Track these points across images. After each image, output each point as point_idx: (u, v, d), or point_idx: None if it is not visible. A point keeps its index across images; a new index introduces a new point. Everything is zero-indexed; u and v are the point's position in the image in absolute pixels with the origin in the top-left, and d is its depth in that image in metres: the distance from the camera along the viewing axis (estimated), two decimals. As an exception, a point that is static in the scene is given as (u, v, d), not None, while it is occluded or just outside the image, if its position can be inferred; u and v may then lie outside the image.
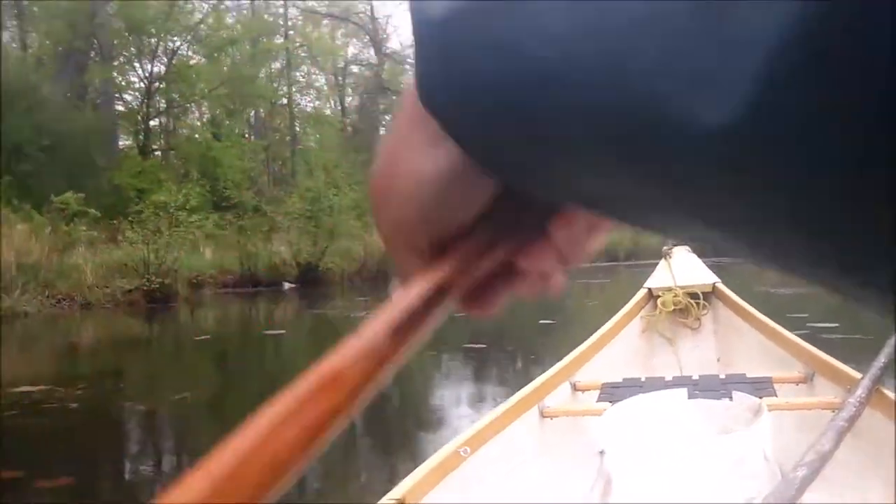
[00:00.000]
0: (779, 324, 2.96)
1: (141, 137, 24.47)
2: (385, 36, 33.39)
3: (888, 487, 1.71)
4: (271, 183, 24.82)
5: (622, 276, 20.79)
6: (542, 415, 2.33)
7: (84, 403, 5.14)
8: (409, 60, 34.88)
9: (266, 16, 32.76)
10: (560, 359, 2.75)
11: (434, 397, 5.63)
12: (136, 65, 25.10)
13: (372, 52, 34.65)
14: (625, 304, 3.53)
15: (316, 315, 11.95)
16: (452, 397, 5.41)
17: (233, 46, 25.55)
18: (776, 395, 2.19)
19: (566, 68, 0.21)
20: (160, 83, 24.64)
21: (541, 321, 8.91)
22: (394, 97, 34.28)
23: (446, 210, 0.30)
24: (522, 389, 2.35)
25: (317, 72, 36.20)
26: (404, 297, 0.31)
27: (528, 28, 0.22)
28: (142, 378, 6.85)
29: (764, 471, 1.81)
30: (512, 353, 7.48)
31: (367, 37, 33.76)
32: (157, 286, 14.30)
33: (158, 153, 26.50)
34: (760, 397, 2.11)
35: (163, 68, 24.56)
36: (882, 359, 2.09)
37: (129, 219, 15.07)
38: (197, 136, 26.49)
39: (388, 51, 33.39)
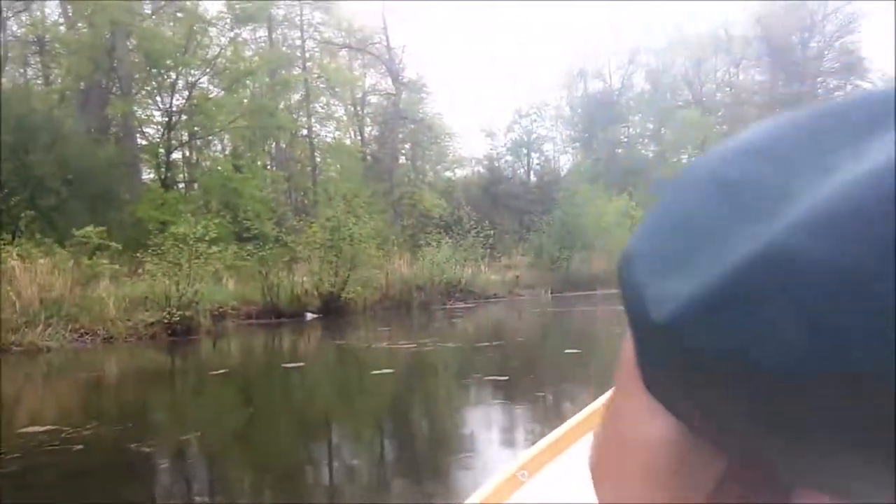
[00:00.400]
0: None
1: (163, 170, 24.55)
2: (402, 65, 33.45)
3: None
4: (292, 213, 24.70)
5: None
6: None
7: (90, 444, 4.89)
8: (425, 89, 34.97)
9: (284, 48, 33.03)
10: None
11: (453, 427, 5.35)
12: (157, 98, 25.25)
13: (389, 81, 34.72)
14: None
15: (338, 346, 11.71)
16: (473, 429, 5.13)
17: (251, 78, 25.64)
18: None
19: (800, 372, 0.21)
20: (181, 116, 24.77)
21: (566, 350, 8.61)
22: (411, 125, 34.31)
23: (676, 482, 0.28)
24: (583, 410, 2.26)
25: (336, 103, 36.39)
26: None
27: (762, 337, 0.22)
28: (154, 416, 6.62)
29: None
30: (533, 383, 7.18)
31: (384, 66, 33.85)
32: (179, 318, 14.15)
33: (181, 185, 26.63)
34: None
35: (183, 101, 24.69)
36: None
37: (151, 251, 14.98)
38: (219, 167, 26.59)
39: (404, 80, 33.43)
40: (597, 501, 0.30)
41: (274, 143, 35.09)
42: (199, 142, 25.85)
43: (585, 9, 71.96)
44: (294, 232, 19.35)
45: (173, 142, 24.59)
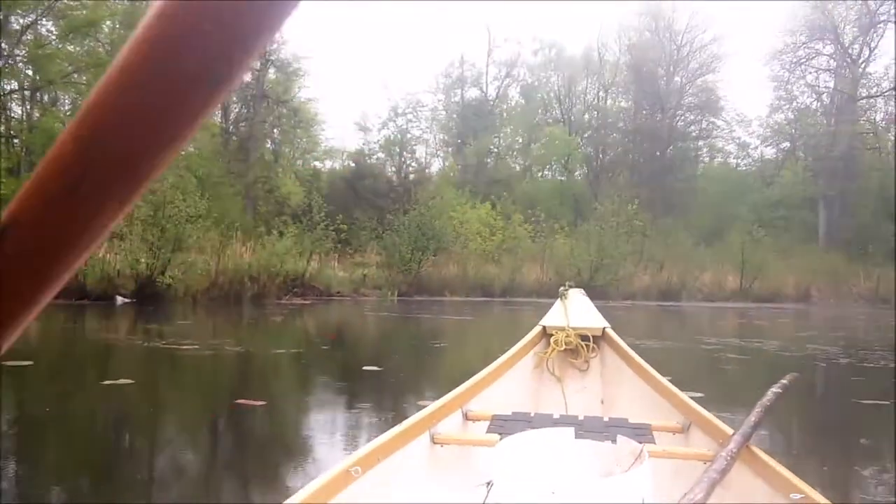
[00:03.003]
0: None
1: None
2: (272, 44, 31.02)
3: None
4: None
5: (495, 312, 19.20)
6: (434, 441, 2.32)
7: None
8: (294, 70, 32.68)
9: (142, 2, 29.89)
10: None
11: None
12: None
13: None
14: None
15: (104, 341, 9.64)
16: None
17: (93, 30, 22.59)
18: (654, 443, 2.23)
19: None
20: (8, 62, 21.46)
21: (364, 367, 7.07)
22: (277, 108, 31.94)
23: None
24: (415, 414, 2.31)
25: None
26: None
27: None
28: None
29: None
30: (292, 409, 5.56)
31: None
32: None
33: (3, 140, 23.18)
34: (641, 443, 2.08)
35: (12, 46, 21.38)
36: (752, 417, 2.15)
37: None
38: (50, 125, 23.35)
39: (271, 57, 31.05)
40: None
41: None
42: (20, 93, 22.51)
43: (468, 15, 71.39)
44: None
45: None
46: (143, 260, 16.55)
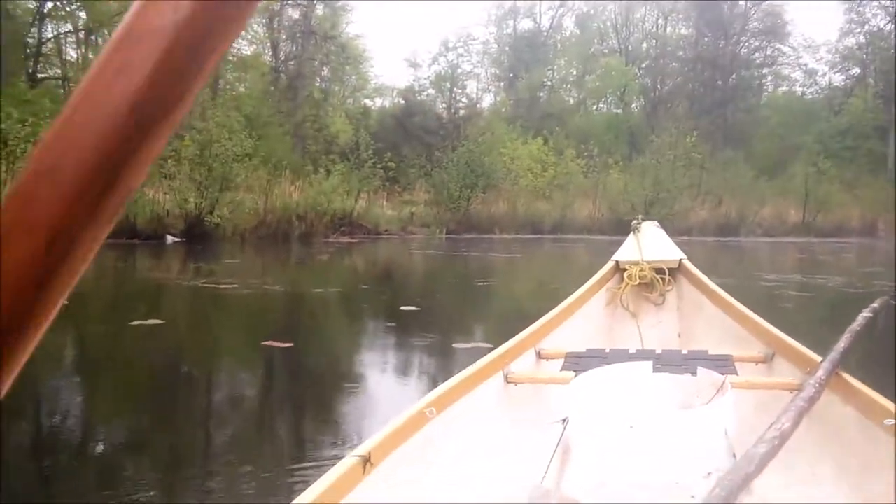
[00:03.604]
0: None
1: (30, 63, 21.32)
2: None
3: (842, 470, 1.74)
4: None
5: (544, 249, 18.77)
6: (507, 380, 2.31)
7: None
8: (342, 5, 31.92)
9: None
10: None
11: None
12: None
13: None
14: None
15: (145, 280, 9.60)
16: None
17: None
18: (736, 374, 2.17)
19: None
20: (56, 4, 21.44)
21: (402, 307, 6.80)
22: (325, 44, 31.36)
23: None
24: (488, 354, 2.28)
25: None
26: None
27: None
28: None
29: (724, 447, 1.79)
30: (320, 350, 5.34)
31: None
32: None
33: (52, 82, 23.37)
34: (722, 375, 2.06)
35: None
36: (842, 343, 2.08)
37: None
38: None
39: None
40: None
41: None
42: (74, 36, 22.53)
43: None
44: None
45: (45, 32, 21.31)
46: (191, 199, 16.54)
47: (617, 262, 3.41)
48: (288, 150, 26.99)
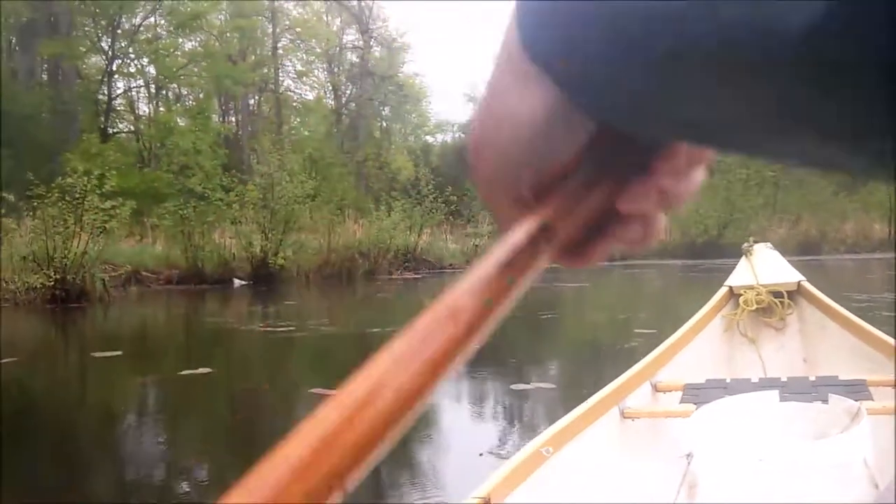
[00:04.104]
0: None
1: (101, 118, 22.05)
2: (370, 17, 30.68)
3: None
4: (222, 169, 22.06)
5: (613, 277, 18.10)
6: (623, 415, 2.22)
7: None
8: (397, 45, 32.23)
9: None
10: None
11: None
12: (96, 39, 22.60)
13: (357, 34, 31.96)
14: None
15: (203, 324, 9.44)
16: None
17: (203, 23, 22.93)
18: (872, 399, 2.04)
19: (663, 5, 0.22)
20: (123, 60, 22.21)
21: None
22: (384, 84, 31.63)
23: (545, 151, 0.29)
24: (602, 389, 2.21)
25: (311, 58, 33.69)
26: (511, 237, 0.30)
27: None
28: None
29: (864, 478, 1.69)
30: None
31: (354, 20, 31.09)
32: (57, 282, 11.84)
33: (123, 136, 24.15)
34: (857, 401, 1.92)
35: (126, 43, 22.09)
36: None
37: (36, 202, 12.54)
38: (177, 121, 24.10)
39: (374, 34, 30.71)
40: (474, 176, 0.31)
41: (251, 99, 32.61)
42: (145, 90, 23.26)
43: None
44: (224, 190, 16.88)
45: (115, 88, 22.05)
46: (256, 242, 16.59)
47: (730, 287, 3.29)
48: (350, 190, 27.13)
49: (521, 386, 4.84)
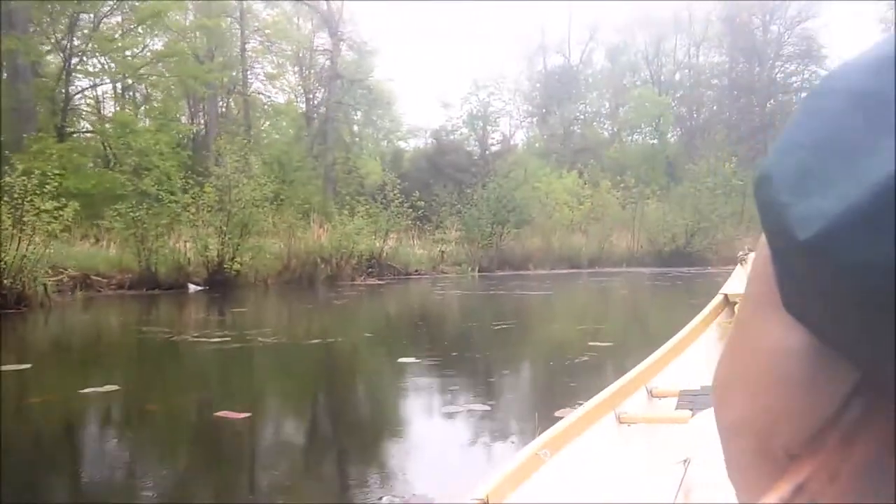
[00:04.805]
0: None
1: (58, 118, 21.19)
2: (340, 19, 30.06)
3: None
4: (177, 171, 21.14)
5: (579, 285, 17.67)
6: (620, 420, 2.23)
7: None
8: (367, 47, 31.65)
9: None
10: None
11: None
12: (53, 36, 21.72)
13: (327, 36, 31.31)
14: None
15: (135, 333, 8.81)
16: None
17: (161, 21, 22.17)
18: None
19: None
20: (82, 57, 21.37)
21: (398, 360, 5.83)
22: (348, 86, 31.00)
23: (804, 396, 0.27)
24: (599, 394, 2.22)
25: (283, 61, 32.97)
26: None
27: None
28: None
29: None
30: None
31: (324, 22, 30.47)
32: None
33: (85, 136, 23.30)
34: None
35: (83, 41, 21.24)
36: None
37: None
38: (137, 121, 23.31)
39: (343, 36, 30.11)
40: (716, 421, 0.29)
41: (223, 102, 31.84)
42: (112, 90, 22.45)
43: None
44: (181, 191, 16.14)
45: (75, 87, 21.21)
46: (212, 246, 15.91)
47: (726, 294, 3.31)
48: (317, 193, 26.49)
49: (453, 408, 4.32)
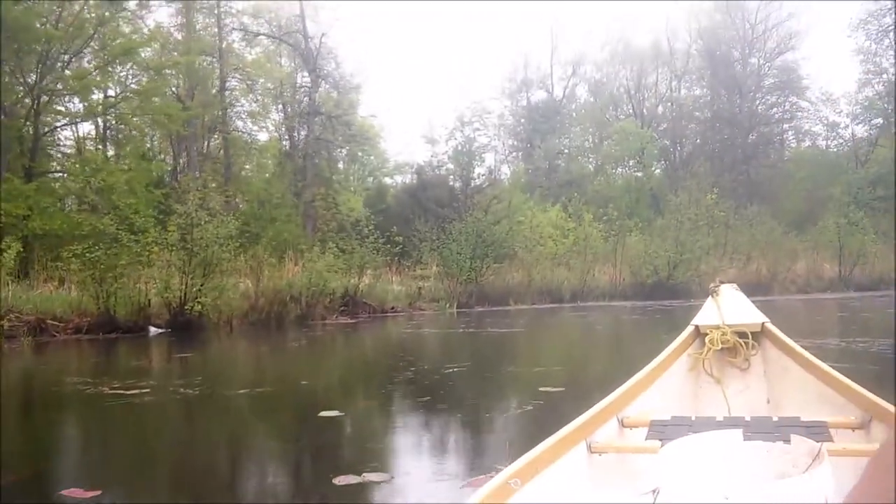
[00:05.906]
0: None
1: (27, 158, 20.54)
2: (317, 55, 29.69)
3: None
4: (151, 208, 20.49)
5: (554, 321, 16.91)
6: (591, 450, 2.22)
7: None
8: (346, 84, 31.23)
9: (200, 33, 29.12)
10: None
11: None
12: (21, 75, 21.16)
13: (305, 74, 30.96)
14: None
15: (69, 388, 8.02)
16: None
17: (132, 58, 21.65)
18: (832, 441, 2.08)
19: None
20: (51, 96, 20.78)
21: (321, 413, 5.06)
22: (327, 122, 30.54)
23: None
24: (571, 423, 2.18)
25: (266, 99, 32.54)
26: None
27: None
28: None
29: None
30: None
31: (301, 58, 30.12)
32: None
33: (55, 176, 22.63)
34: (818, 442, 1.96)
35: (53, 80, 20.66)
36: None
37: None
38: (107, 162, 22.69)
39: (322, 72, 29.71)
40: None
41: (206, 141, 31.35)
42: (85, 130, 21.85)
43: (529, 16, 68.86)
44: (142, 232, 15.39)
45: (39, 126, 20.54)
46: (173, 286, 15.13)
47: (697, 326, 3.23)
48: (294, 229, 25.81)
49: (349, 479, 3.54)
